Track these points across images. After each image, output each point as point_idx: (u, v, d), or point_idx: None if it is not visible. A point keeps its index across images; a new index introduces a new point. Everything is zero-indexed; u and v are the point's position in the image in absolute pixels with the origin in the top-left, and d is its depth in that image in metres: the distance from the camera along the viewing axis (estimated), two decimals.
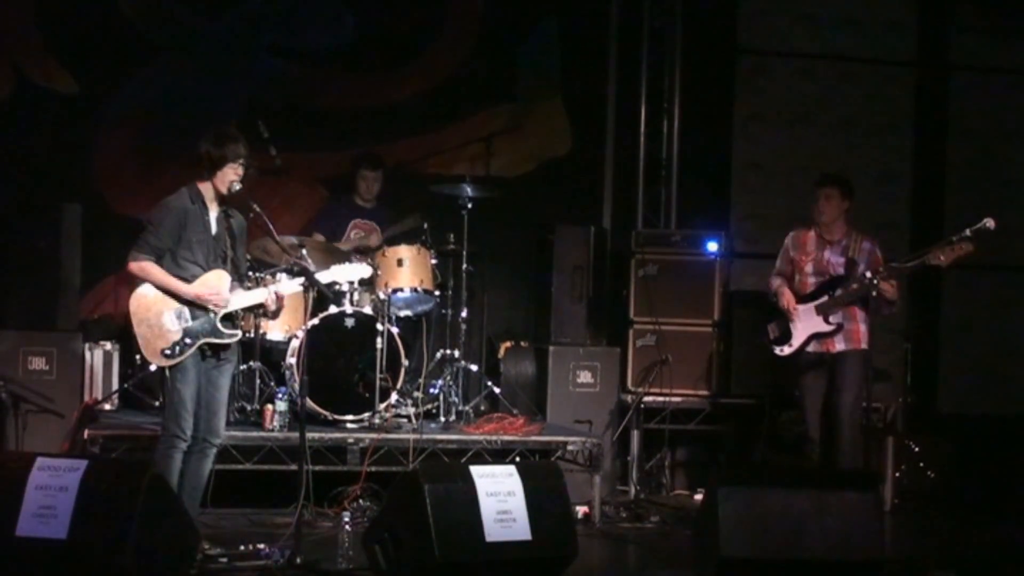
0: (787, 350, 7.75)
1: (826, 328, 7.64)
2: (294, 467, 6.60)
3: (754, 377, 8.91)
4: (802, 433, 7.86)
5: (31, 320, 8.00)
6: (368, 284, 8.10)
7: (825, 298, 7.66)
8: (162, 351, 6.24)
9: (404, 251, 8.20)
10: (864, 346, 7.60)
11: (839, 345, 7.67)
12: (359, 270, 7.11)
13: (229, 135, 6.35)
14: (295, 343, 7.81)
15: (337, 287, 7.80)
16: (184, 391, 6.27)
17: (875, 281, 7.36)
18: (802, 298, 7.74)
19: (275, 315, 6.69)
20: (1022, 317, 10.35)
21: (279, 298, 6.48)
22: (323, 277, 6.74)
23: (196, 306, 6.30)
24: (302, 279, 6.55)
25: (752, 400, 8.95)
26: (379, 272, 8.08)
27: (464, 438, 7.86)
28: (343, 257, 8.00)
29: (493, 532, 5.88)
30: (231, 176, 6.31)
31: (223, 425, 6.56)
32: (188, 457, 6.36)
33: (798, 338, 7.71)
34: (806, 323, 7.69)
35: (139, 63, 8.99)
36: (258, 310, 6.64)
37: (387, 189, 8.86)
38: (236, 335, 6.46)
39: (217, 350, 6.38)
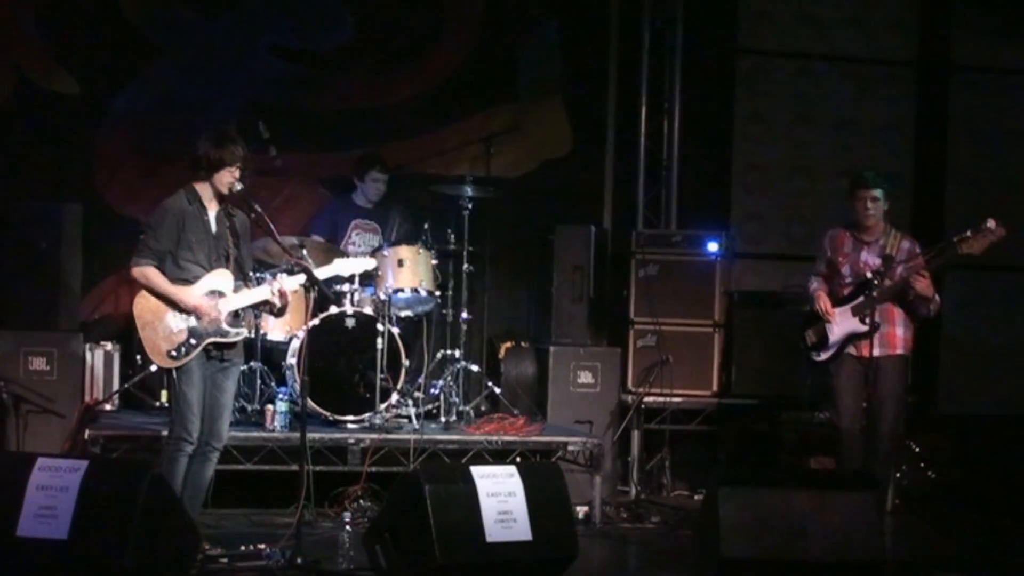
0: (824, 355, 7.53)
1: (862, 328, 7.33)
2: (295, 467, 6.59)
3: (755, 377, 8.91)
4: (837, 435, 7.56)
5: (32, 320, 8.00)
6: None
7: (861, 299, 7.39)
8: (168, 353, 6.23)
9: (405, 251, 8.19)
10: (900, 351, 7.43)
11: (875, 350, 7.31)
12: (363, 263, 7.10)
13: (228, 137, 6.34)
14: (296, 343, 7.81)
15: (338, 287, 7.82)
16: (190, 394, 6.26)
17: (907, 276, 7.18)
18: (839, 300, 7.54)
19: (281, 312, 6.64)
20: (1023, 317, 10.35)
21: (283, 294, 6.44)
22: (327, 271, 6.73)
23: None
24: (303, 276, 6.53)
25: (753, 400, 8.94)
26: (380, 272, 8.08)
27: (465, 438, 7.86)
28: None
29: (494, 533, 5.88)
30: (228, 178, 6.30)
31: (226, 429, 6.53)
32: (190, 461, 6.34)
33: (834, 340, 7.47)
34: (842, 325, 7.44)
35: (139, 64, 8.99)
36: (263, 307, 6.61)
37: (388, 190, 8.86)
38: (242, 333, 6.44)
39: (222, 350, 6.37)
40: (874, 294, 7.32)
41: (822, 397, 7.79)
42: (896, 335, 7.45)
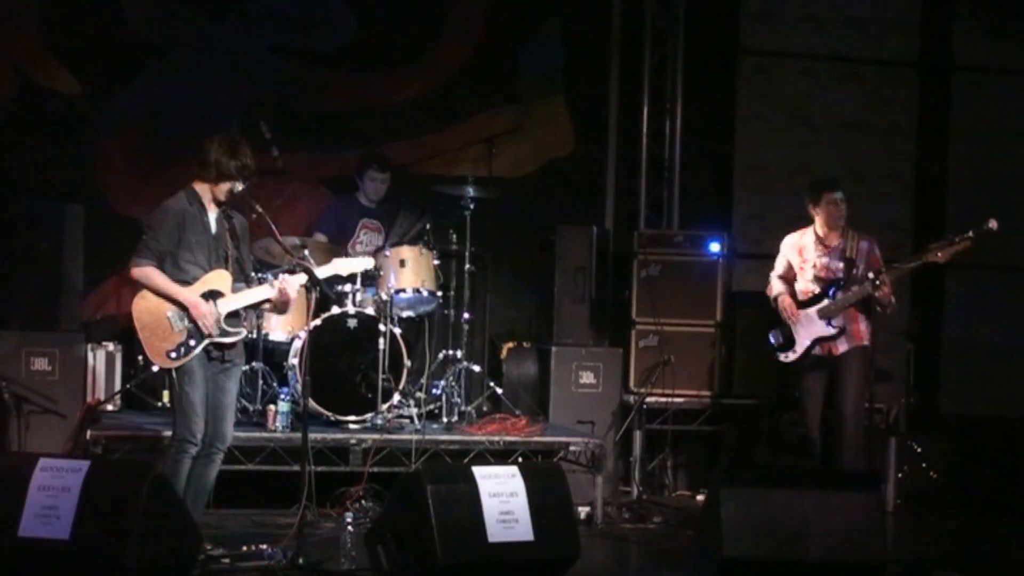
0: (792, 356, 7.72)
1: (829, 332, 7.61)
2: (296, 468, 6.59)
3: (756, 378, 8.90)
4: (803, 435, 7.84)
5: (33, 321, 7.99)
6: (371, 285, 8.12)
7: (826, 302, 7.63)
8: (167, 353, 6.23)
9: (406, 252, 8.19)
10: (866, 342, 7.59)
11: (842, 347, 7.64)
12: (361, 263, 7.09)
13: (242, 149, 6.31)
14: (297, 344, 7.82)
15: (340, 288, 7.82)
16: (192, 394, 6.25)
17: (877, 283, 7.34)
18: (803, 303, 7.72)
19: (283, 309, 6.64)
20: (1023, 317, 10.34)
21: (283, 291, 6.42)
22: (326, 271, 6.72)
23: None
24: (304, 276, 6.51)
25: (754, 401, 8.95)
26: (381, 273, 8.08)
27: (466, 439, 7.86)
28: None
29: (495, 533, 5.89)
30: (230, 188, 6.31)
31: (230, 430, 6.53)
32: (194, 462, 6.33)
33: (802, 344, 7.68)
34: (809, 328, 7.66)
35: (141, 64, 8.99)
36: (264, 306, 6.60)
37: (390, 190, 8.86)
38: (241, 333, 6.44)
39: (223, 350, 6.37)
40: (839, 296, 7.56)
41: (795, 399, 7.96)
42: (860, 329, 7.64)
